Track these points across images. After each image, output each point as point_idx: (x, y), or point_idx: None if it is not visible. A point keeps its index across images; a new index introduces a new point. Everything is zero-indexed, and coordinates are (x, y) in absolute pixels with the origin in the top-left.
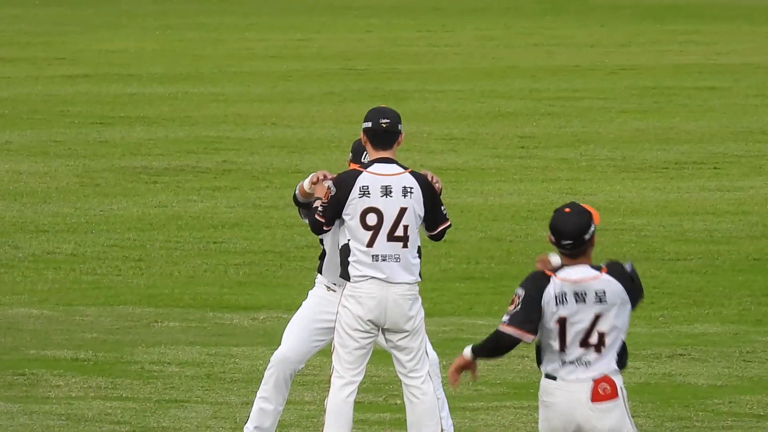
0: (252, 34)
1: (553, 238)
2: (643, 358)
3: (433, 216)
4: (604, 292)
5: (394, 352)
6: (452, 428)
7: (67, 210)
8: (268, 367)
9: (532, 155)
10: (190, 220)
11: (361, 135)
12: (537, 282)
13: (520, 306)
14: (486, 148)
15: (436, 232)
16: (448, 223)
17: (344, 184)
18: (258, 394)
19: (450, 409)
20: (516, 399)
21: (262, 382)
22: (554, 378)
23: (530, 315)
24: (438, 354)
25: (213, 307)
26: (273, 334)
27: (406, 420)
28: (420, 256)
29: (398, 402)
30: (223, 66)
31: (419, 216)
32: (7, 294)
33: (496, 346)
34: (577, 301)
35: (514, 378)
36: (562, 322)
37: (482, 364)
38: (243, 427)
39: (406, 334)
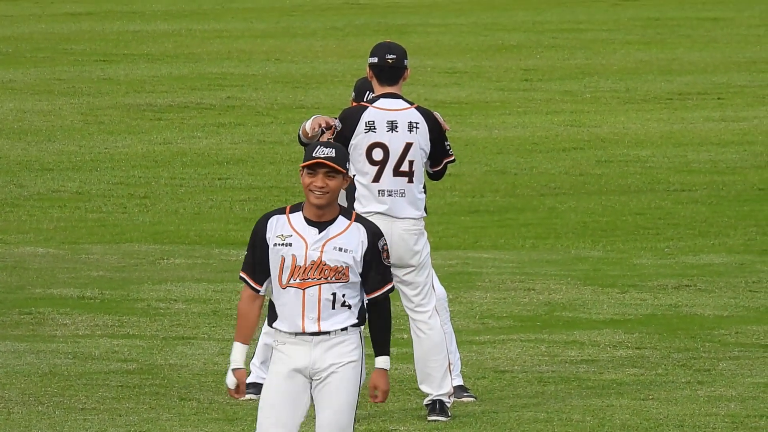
0: None
1: None
2: (649, 290)
3: (438, 151)
4: None
5: (401, 287)
6: (459, 362)
7: (71, 148)
8: None
9: (536, 88)
10: (194, 157)
11: (367, 70)
12: None
13: None
14: (490, 81)
15: (439, 167)
16: (452, 158)
17: (350, 119)
18: (263, 330)
19: (457, 343)
20: (522, 332)
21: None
22: None
23: None
24: (445, 288)
25: (219, 243)
26: None
27: (413, 354)
28: (425, 192)
29: (405, 336)
30: (226, 2)
31: (424, 151)
32: (13, 233)
33: None
34: None
35: (520, 311)
36: None
37: (489, 297)
38: (249, 363)
39: (412, 269)
